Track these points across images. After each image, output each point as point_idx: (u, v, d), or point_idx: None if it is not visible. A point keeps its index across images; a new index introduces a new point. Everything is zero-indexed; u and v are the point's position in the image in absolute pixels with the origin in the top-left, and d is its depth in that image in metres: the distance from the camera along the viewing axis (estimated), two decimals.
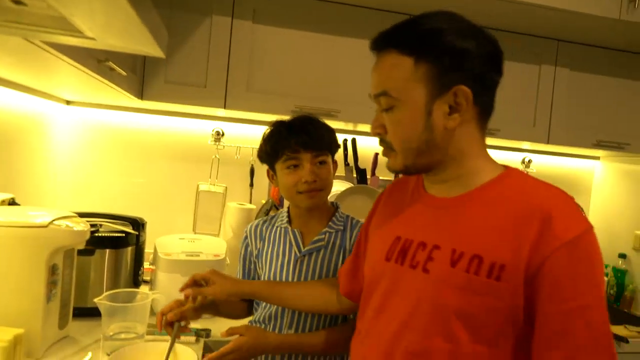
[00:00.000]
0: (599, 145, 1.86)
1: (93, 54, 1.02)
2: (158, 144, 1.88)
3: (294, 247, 1.17)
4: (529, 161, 2.18)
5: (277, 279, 1.15)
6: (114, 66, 1.11)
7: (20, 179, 1.54)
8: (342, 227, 1.19)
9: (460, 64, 0.72)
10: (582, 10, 1.57)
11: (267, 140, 1.16)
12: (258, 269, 1.23)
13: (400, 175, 0.90)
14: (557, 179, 2.26)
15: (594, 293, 0.67)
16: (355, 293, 0.98)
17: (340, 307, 1.05)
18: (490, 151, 0.82)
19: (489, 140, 2.02)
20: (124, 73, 1.21)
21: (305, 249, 1.16)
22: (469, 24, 0.75)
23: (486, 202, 0.75)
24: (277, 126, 1.15)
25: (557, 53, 1.82)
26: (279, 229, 1.21)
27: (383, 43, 0.77)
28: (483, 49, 0.74)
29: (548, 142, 1.83)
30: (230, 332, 1.07)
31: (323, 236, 1.17)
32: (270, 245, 1.20)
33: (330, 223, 1.19)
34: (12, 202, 1.32)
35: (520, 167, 2.17)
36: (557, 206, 0.70)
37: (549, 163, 2.26)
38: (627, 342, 1.59)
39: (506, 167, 0.80)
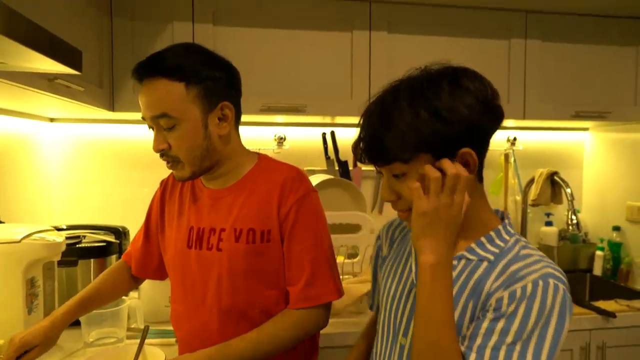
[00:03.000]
0: (578, 116, 1.80)
1: (41, 75, 1.04)
2: (142, 154, 1.92)
3: (412, 272, 0.82)
4: (514, 139, 2.12)
5: (389, 314, 0.85)
6: (67, 83, 1.14)
7: (10, 197, 1.60)
8: (492, 257, 0.75)
9: (220, 86, 0.96)
10: None
11: None
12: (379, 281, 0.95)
13: None
14: (545, 154, 2.20)
15: (315, 236, 1.00)
16: (149, 270, 1.17)
17: (137, 285, 1.23)
18: None
19: None
20: (81, 89, 1.23)
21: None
22: (213, 54, 0.98)
23: (250, 186, 1.01)
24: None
25: (526, 25, 1.77)
26: (409, 233, 0.90)
27: (151, 72, 0.93)
28: (228, 74, 0.99)
29: (524, 118, 1.79)
30: None
31: (455, 262, 0.76)
32: (393, 257, 0.91)
33: (474, 245, 0.77)
34: None
35: (506, 145, 2.14)
36: (288, 178, 1.00)
37: (536, 139, 2.20)
38: (615, 317, 1.53)
39: (258, 155, 1.08)
